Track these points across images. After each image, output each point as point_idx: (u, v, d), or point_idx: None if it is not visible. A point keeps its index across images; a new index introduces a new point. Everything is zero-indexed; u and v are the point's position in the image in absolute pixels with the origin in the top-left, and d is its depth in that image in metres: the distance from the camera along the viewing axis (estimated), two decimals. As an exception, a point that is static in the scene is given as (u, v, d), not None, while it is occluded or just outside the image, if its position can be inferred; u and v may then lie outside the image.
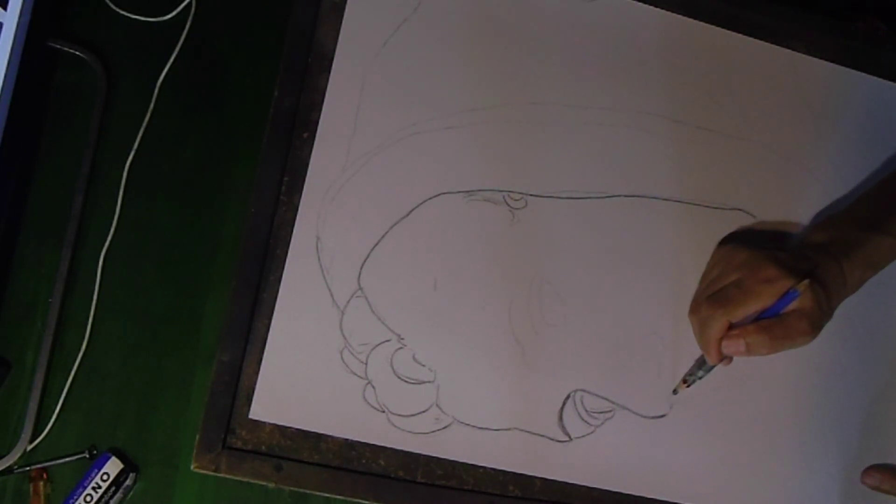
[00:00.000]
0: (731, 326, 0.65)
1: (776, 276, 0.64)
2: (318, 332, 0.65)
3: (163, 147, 0.71)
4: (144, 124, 0.70)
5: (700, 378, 0.68)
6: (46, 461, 0.65)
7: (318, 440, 0.64)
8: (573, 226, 0.70)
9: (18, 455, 0.65)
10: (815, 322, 0.64)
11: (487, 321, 0.68)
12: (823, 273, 0.65)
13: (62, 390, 0.66)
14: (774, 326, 0.64)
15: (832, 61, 0.77)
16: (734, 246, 0.70)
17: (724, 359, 0.67)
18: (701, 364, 0.68)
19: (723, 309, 0.65)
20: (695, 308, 0.68)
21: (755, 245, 0.68)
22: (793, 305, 0.64)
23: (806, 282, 0.63)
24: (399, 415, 0.65)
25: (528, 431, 0.67)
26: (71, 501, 0.64)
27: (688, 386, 0.69)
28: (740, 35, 0.76)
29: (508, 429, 0.67)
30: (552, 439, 0.67)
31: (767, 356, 0.65)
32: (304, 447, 0.64)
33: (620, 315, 0.70)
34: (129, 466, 0.65)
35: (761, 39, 0.76)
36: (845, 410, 0.72)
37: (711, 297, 0.66)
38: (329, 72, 0.68)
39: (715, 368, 0.68)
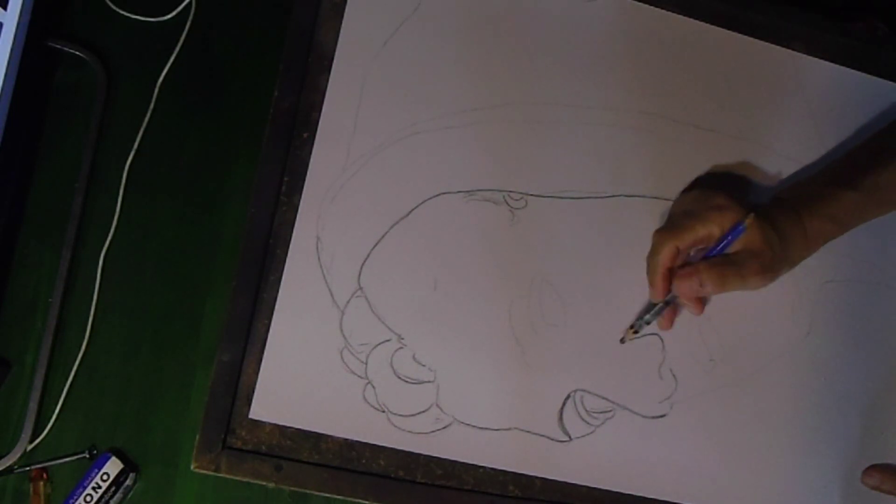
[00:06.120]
0: (683, 266, 0.65)
1: (725, 205, 0.65)
2: (318, 332, 0.65)
3: (163, 147, 0.71)
4: (144, 124, 0.70)
5: (647, 323, 0.68)
6: (46, 461, 0.65)
7: (318, 440, 0.64)
8: (573, 226, 0.70)
9: (18, 455, 0.65)
10: (766, 263, 0.65)
11: (487, 321, 0.68)
12: (777, 217, 0.66)
13: (62, 390, 0.66)
14: (724, 263, 0.65)
15: (832, 61, 0.77)
16: (694, 188, 0.71)
17: (671, 301, 0.67)
18: (649, 308, 0.68)
19: (670, 234, 0.66)
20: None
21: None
22: (742, 244, 0.65)
23: (751, 215, 0.64)
24: (399, 415, 0.65)
25: (528, 431, 0.67)
26: (71, 501, 0.64)
27: (635, 332, 0.68)
28: (740, 35, 0.76)
29: (508, 429, 0.67)
30: (552, 439, 0.67)
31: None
32: (304, 447, 0.64)
33: (620, 315, 0.70)
34: (129, 466, 0.65)
35: (761, 39, 0.76)
36: (845, 410, 0.72)
37: (661, 227, 0.67)
38: (329, 72, 0.68)
39: (663, 311, 0.67)
